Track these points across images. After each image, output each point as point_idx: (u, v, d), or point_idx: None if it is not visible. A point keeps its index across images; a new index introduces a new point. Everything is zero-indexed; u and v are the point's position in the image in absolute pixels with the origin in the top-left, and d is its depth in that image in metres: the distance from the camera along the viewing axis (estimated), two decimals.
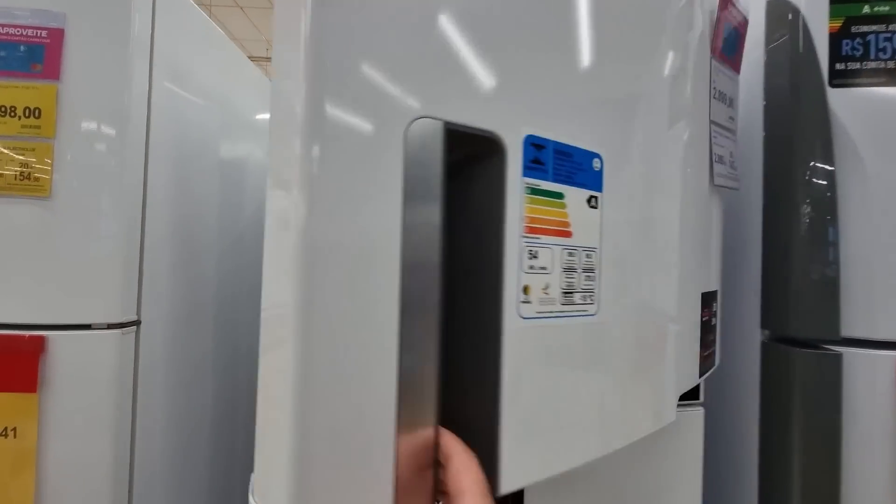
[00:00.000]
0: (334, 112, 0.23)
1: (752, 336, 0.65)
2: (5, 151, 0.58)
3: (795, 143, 0.61)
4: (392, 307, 0.24)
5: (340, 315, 0.23)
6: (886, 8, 0.56)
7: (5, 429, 0.61)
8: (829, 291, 0.59)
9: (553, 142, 0.31)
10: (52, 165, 0.60)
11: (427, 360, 0.25)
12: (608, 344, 0.34)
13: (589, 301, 0.33)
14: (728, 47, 0.51)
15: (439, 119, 0.26)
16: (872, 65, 0.58)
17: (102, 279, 0.61)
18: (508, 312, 0.28)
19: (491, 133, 0.28)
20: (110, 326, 0.63)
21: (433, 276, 0.26)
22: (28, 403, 0.61)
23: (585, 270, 0.33)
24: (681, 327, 0.42)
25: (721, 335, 0.59)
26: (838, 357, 0.59)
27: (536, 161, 0.30)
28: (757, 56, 0.65)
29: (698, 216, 0.47)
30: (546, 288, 0.30)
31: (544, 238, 0.30)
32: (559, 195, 0.31)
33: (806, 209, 0.60)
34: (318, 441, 0.22)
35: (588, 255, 0.33)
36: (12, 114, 0.60)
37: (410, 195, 0.25)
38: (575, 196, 0.32)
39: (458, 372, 0.30)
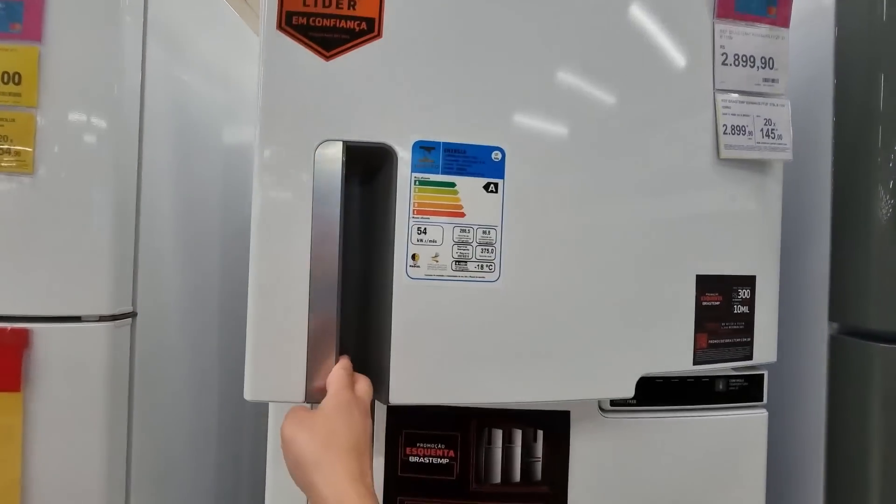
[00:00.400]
0: (273, 145, 0.43)
1: (816, 329, 0.57)
2: None
3: (877, 114, 0.52)
4: (305, 269, 0.40)
5: (276, 271, 0.43)
6: None
7: None
8: None
9: (443, 143, 0.42)
10: (34, 138, 0.55)
11: (329, 300, 0.40)
12: (512, 307, 0.43)
13: (487, 270, 0.42)
14: (750, 2, 0.48)
15: (339, 140, 0.41)
16: None
17: (93, 266, 0.56)
18: (398, 273, 0.41)
19: (382, 144, 0.41)
20: (102, 319, 0.57)
21: (333, 248, 0.41)
22: (11, 403, 0.55)
23: (482, 244, 0.42)
24: (637, 305, 0.50)
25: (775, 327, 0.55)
26: None
27: (426, 160, 0.41)
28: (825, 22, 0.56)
29: (685, 194, 0.52)
30: (435, 256, 0.41)
31: (434, 218, 0.42)
32: (450, 184, 0.42)
33: (889, 188, 0.50)
34: (269, 333, 0.41)
35: (485, 232, 0.43)
36: None
37: (321, 193, 0.41)
38: (468, 184, 0.43)
39: (372, 312, 0.44)
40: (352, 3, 0.45)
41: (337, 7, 0.44)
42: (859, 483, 0.57)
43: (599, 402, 0.53)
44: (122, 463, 0.60)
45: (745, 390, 0.60)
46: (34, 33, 0.54)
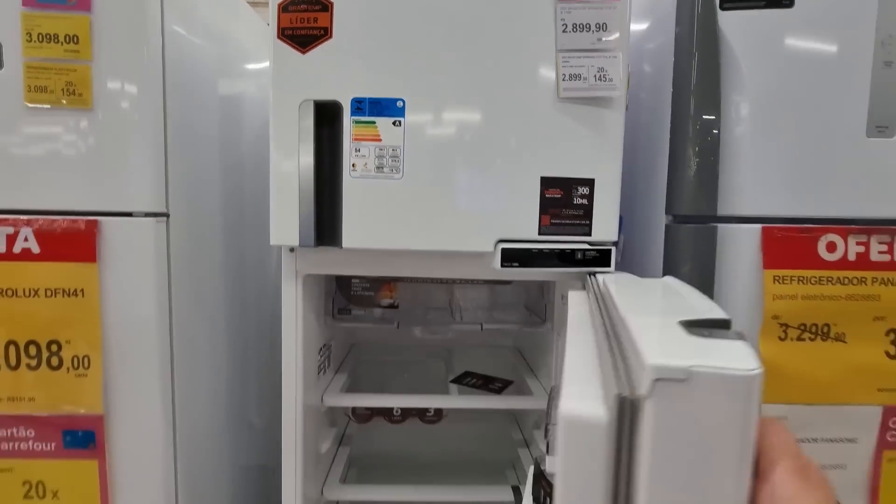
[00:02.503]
0: (280, 108, 0.82)
1: (658, 220, 0.92)
2: (53, 71, 0.81)
3: (692, 61, 0.90)
4: (295, 175, 0.80)
5: (284, 176, 0.85)
6: None
7: (75, 290, 0.85)
8: (711, 177, 0.80)
9: (368, 98, 0.79)
10: (91, 83, 0.82)
11: (308, 191, 0.80)
12: (412, 193, 0.80)
13: (395, 172, 0.80)
14: None
15: (311, 100, 0.79)
16: None
17: (137, 175, 0.86)
18: (346, 175, 0.80)
19: (334, 101, 0.79)
20: (147, 215, 0.87)
21: (309, 161, 0.80)
22: (90, 271, 0.84)
23: (391, 157, 0.80)
24: (496, 194, 0.86)
25: (633, 222, 0.89)
26: (714, 229, 0.80)
27: (359, 108, 0.79)
28: None
29: (536, 122, 0.86)
30: (365, 164, 0.79)
31: (364, 142, 0.80)
32: (372, 122, 0.79)
33: (698, 114, 0.90)
34: (280, 208, 0.80)
35: (393, 150, 0.80)
36: (56, 40, 0.81)
37: (304, 131, 0.80)
38: (383, 122, 0.80)
39: (334, 197, 0.82)
40: (314, 18, 0.81)
41: (307, 22, 0.81)
42: None
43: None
44: (167, 319, 0.91)
45: (598, 259, 0.92)
46: (85, 6, 0.81)
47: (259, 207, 1.24)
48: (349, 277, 1.16)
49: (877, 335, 0.87)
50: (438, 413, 1.19)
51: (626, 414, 0.29)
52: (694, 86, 0.87)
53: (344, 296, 1.13)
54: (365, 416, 1.19)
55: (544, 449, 1.17)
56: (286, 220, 0.85)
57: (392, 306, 1.15)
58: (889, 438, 0.87)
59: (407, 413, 1.18)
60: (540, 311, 1.29)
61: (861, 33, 0.84)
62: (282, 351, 0.97)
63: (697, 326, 0.36)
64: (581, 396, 0.33)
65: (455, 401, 1.16)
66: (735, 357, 0.30)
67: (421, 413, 1.19)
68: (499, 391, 1.22)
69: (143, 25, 0.85)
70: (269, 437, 1.36)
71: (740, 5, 0.82)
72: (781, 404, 0.85)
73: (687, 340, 0.34)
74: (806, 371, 0.87)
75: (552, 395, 0.63)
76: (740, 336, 0.34)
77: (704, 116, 0.87)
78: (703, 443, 0.28)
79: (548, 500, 0.70)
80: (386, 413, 1.18)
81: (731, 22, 0.85)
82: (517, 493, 1.16)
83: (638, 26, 1.09)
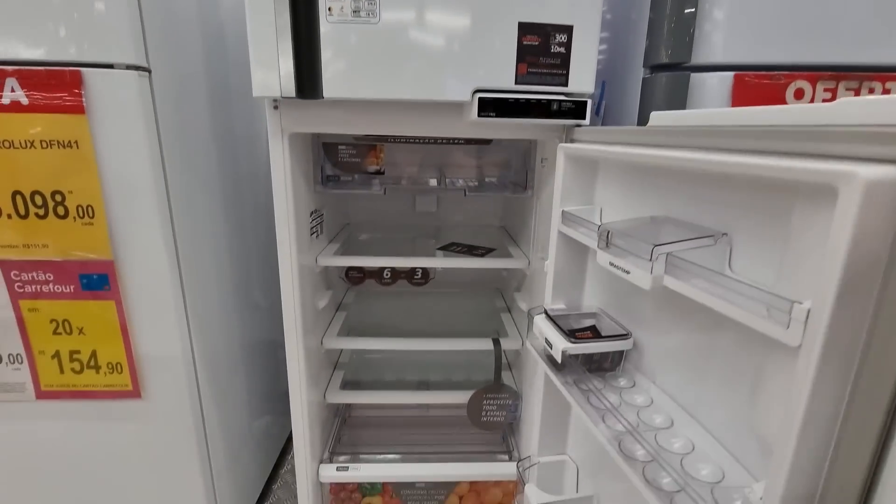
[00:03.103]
0: None
1: (637, 72, 0.92)
2: None
3: None
4: (271, 15, 0.79)
5: (260, 13, 0.80)
6: None
7: (69, 141, 0.88)
8: (687, 26, 0.81)
9: None
10: None
11: (286, 37, 0.80)
12: (390, 38, 0.81)
13: (372, 16, 0.80)
14: None
15: None
16: None
17: (113, 25, 0.87)
18: (322, 17, 0.80)
19: None
20: (128, 67, 0.89)
21: (286, 6, 0.79)
22: (81, 123, 0.87)
23: (368, 1, 0.79)
24: (473, 40, 0.86)
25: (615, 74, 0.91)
26: (687, 77, 0.81)
27: None
28: None
29: None
30: (342, 8, 0.79)
31: None
32: None
33: None
34: (259, 54, 0.81)
35: None
36: None
37: None
38: None
39: (312, 41, 0.83)
40: None
41: None
42: None
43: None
44: (161, 178, 0.96)
45: (573, 111, 0.95)
46: None
47: (244, 79, 1.26)
48: (336, 145, 1.19)
49: None
50: (425, 275, 1.29)
51: None
52: None
53: (331, 162, 1.17)
54: (357, 278, 1.29)
55: (524, 308, 1.29)
56: (267, 70, 0.86)
57: (379, 172, 1.19)
58: None
59: (396, 275, 1.28)
60: (522, 182, 1.34)
61: None
62: (274, 210, 1.04)
63: None
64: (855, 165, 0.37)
65: (439, 261, 1.25)
66: None
67: (409, 275, 1.28)
68: (481, 256, 1.30)
69: None
70: (273, 315, 1.47)
71: None
72: None
73: None
74: None
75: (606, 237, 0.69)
76: None
77: None
78: None
79: (560, 332, 0.79)
80: (377, 275, 1.28)
81: None
82: (497, 343, 1.29)
83: None
